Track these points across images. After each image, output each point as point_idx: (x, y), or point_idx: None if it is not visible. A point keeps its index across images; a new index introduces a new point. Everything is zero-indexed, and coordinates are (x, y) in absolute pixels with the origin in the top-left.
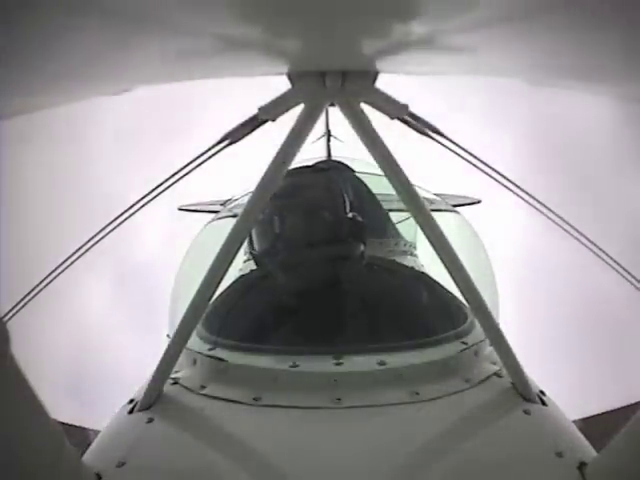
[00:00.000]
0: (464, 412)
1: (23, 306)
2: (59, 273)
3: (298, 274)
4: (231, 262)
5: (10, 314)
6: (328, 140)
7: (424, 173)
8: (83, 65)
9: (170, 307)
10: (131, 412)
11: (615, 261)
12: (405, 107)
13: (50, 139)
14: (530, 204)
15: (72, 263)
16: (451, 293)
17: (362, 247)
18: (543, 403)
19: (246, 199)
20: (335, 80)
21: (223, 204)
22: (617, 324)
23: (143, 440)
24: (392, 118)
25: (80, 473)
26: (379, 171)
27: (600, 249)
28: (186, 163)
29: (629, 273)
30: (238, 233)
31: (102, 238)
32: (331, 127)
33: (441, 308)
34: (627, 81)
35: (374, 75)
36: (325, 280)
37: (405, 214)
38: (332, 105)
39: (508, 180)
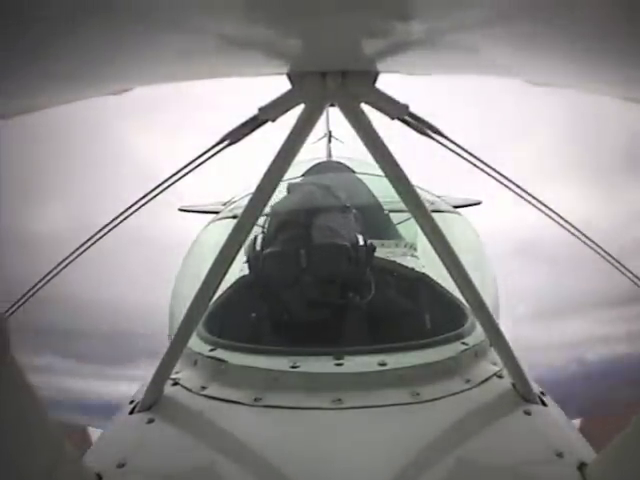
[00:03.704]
0: (465, 413)
1: (22, 304)
2: (59, 271)
3: (298, 276)
4: (231, 263)
5: (10, 313)
6: (329, 141)
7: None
8: (83, 65)
9: (171, 308)
10: (132, 413)
11: (615, 259)
12: (405, 107)
13: None
14: (530, 203)
15: (72, 261)
16: (452, 294)
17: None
18: (543, 404)
19: (246, 200)
20: (335, 80)
21: (224, 205)
22: None
23: (144, 441)
24: (392, 118)
25: (80, 473)
26: (379, 171)
27: (601, 248)
28: (186, 163)
29: (629, 271)
30: (239, 234)
31: (103, 236)
32: (332, 128)
33: (442, 309)
34: (627, 81)
35: (374, 75)
36: (326, 281)
37: (406, 215)
38: (332, 105)
39: (508, 180)
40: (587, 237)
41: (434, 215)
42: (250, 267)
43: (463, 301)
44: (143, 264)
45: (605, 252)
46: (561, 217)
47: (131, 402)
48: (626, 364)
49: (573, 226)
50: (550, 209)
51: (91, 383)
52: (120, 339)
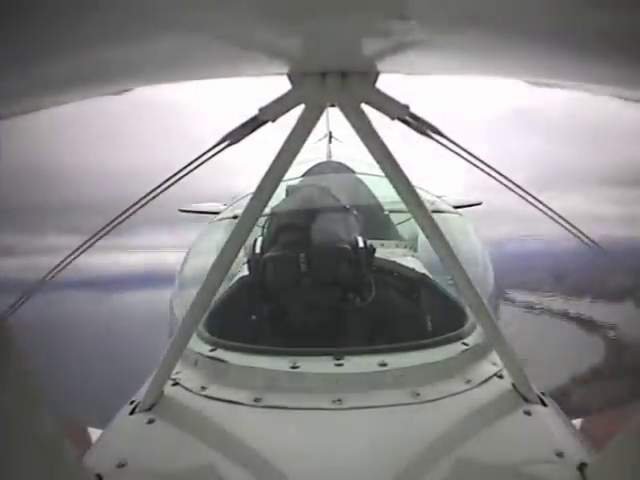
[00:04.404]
0: (465, 413)
1: (23, 302)
2: (59, 270)
3: (299, 279)
4: (232, 263)
5: (10, 312)
6: (329, 141)
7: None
8: (83, 65)
9: (171, 308)
10: (132, 413)
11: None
12: (406, 107)
13: None
14: (531, 203)
15: (72, 260)
16: (452, 294)
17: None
18: (543, 404)
19: (247, 200)
20: (335, 81)
21: (224, 205)
22: None
23: (144, 441)
24: (392, 118)
25: (80, 473)
26: (379, 171)
27: (604, 250)
28: (186, 164)
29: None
30: (239, 234)
31: (104, 235)
32: (332, 128)
33: (442, 309)
34: (627, 81)
35: (374, 76)
36: (326, 284)
37: (406, 215)
38: (332, 106)
39: (508, 180)
40: (590, 239)
41: (434, 215)
42: (250, 270)
43: (463, 301)
44: (141, 128)
45: (609, 255)
46: (563, 218)
47: (131, 402)
48: (624, 248)
49: (575, 227)
50: (551, 209)
51: (93, 257)
52: (119, 209)
